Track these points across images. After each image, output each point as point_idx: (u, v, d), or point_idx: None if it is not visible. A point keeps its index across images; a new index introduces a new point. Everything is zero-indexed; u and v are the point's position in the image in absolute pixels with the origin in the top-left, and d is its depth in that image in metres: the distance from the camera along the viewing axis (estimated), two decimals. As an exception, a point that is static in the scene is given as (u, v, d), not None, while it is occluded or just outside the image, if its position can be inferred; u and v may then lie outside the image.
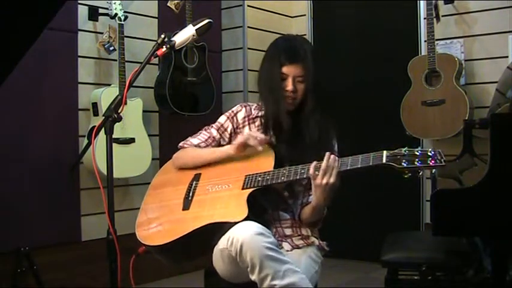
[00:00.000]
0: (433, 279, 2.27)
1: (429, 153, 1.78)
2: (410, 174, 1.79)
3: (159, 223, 2.10)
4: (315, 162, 1.92)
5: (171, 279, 3.72)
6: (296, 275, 1.82)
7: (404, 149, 1.81)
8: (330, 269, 1.98)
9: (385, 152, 1.82)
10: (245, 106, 2.27)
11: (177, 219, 2.06)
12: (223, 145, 2.25)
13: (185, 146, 2.28)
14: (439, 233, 1.97)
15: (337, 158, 1.92)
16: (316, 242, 2.13)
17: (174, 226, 2.03)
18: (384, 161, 1.80)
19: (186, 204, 2.10)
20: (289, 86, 2.09)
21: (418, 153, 1.79)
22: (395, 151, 1.82)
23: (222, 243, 1.90)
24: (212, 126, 2.28)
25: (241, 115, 2.25)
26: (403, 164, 1.78)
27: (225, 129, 2.25)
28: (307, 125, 2.11)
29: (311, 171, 1.91)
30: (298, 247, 2.06)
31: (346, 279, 3.77)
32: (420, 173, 1.79)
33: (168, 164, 2.34)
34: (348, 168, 1.87)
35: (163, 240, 2.00)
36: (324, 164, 1.89)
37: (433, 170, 1.81)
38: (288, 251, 2.04)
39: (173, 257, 2.13)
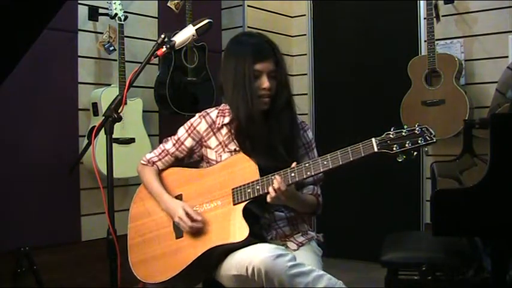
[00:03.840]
0: (433, 279, 2.27)
1: (417, 131, 1.74)
2: (404, 157, 1.75)
3: (156, 258, 2.04)
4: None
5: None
6: (323, 278, 1.83)
7: (391, 132, 1.76)
8: (330, 269, 1.97)
9: (373, 140, 1.77)
10: (204, 117, 2.14)
11: (174, 250, 2.01)
12: (181, 158, 2.17)
13: (142, 162, 2.21)
14: (439, 233, 1.96)
15: (279, 183, 1.86)
16: (314, 235, 2.14)
17: (174, 258, 1.98)
18: (376, 149, 1.76)
19: (178, 232, 2.03)
20: (266, 83, 2.01)
21: (406, 134, 1.75)
22: (383, 136, 1.77)
23: (235, 269, 1.86)
24: (170, 139, 2.19)
25: (202, 127, 2.13)
26: (395, 149, 1.74)
27: (182, 143, 2.15)
28: (278, 121, 2.04)
29: (268, 200, 1.90)
30: (302, 244, 2.07)
31: (346, 279, 3.75)
32: (415, 154, 1.75)
33: (139, 192, 2.22)
34: (341, 163, 1.82)
35: (166, 276, 1.97)
36: (269, 200, 1.89)
37: (425, 149, 1.78)
38: (294, 250, 2.04)
39: (177, 286, 2.08)
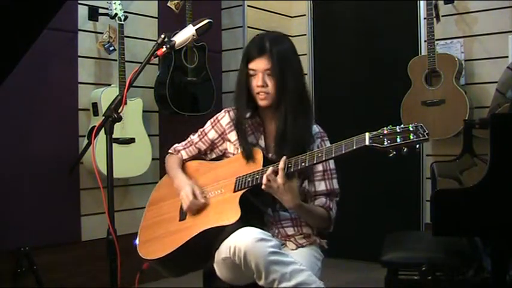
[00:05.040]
0: (433, 279, 2.26)
1: (410, 128, 1.73)
2: (394, 153, 1.73)
3: (158, 237, 2.11)
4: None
5: (170, 279, 3.70)
6: (302, 274, 1.83)
7: (386, 128, 1.76)
8: (330, 269, 1.97)
9: (367, 134, 1.77)
10: (228, 111, 2.23)
11: (175, 231, 2.07)
12: (203, 151, 2.28)
13: (170, 151, 2.35)
14: (439, 233, 1.96)
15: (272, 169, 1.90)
16: (317, 240, 2.14)
17: (172, 237, 2.04)
18: (367, 143, 1.75)
19: (182, 215, 2.11)
20: (258, 80, 2.06)
21: (399, 130, 1.74)
22: (378, 131, 1.77)
23: (224, 252, 1.89)
24: (197, 131, 2.30)
25: (225, 121, 2.22)
26: (385, 143, 1.73)
27: (206, 134, 2.25)
28: (273, 117, 2.13)
29: (263, 187, 1.92)
30: (302, 246, 2.07)
31: (346, 279, 3.77)
32: (405, 150, 1.72)
33: (163, 179, 2.35)
34: (333, 155, 1.83)
35: (163, 253, 2.00)
36: (263, 187, 1.91)
37: (417, 146, 1.75)
38: (292, 249, 2.04)
39: (176, 269, 2.13)
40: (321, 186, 2.12)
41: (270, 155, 2.12)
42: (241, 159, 2.11)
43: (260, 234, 1.84)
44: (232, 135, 2.20)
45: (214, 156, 2.28)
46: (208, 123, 2.27)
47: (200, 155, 2.30)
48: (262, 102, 2.10)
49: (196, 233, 1.96)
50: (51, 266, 3.24)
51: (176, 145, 2.34)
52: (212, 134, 2.24)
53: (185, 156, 2.30)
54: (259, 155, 2.06)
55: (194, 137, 2.29)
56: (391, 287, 2.42)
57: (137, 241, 2.19)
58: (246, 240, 1.81)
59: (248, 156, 2.07)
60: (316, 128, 2.20)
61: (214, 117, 2.26)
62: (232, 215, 1.91)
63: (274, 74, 2.05)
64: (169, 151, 2.35)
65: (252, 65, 2.07)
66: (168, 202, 2.21)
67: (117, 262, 1.73)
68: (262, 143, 2.16)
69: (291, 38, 2.29)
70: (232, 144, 2.20)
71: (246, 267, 1.82)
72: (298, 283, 1.80)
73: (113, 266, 1.73)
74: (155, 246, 2.08)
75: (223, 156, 2.26)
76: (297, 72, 2.12)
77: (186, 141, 2.32)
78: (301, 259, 1.94)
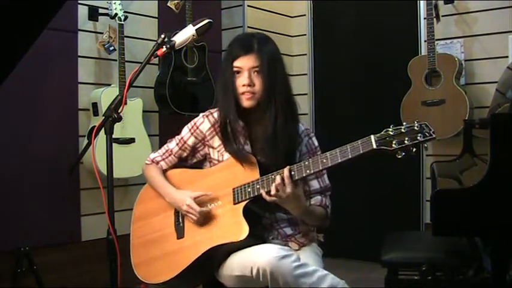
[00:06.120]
0: (433, 279, 2.27)
1: (416, 128, 1.73)
2: (404, 153, 1.73)
3: (157, 258, 2.05)
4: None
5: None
6: (327, 278, 1.85)
7: (390, 129, 1.75)
8: (330, 269, 1.97)
9: (372, 137, 1.75)
10: (207, 116, 2.12)
11: (175, 250, 2.01)
12: (184, 158, 2.17)
13: (146, 161, 2.23)
14: (439, 233, 1.96)
15: (286, 174, 1.84)
16: (315, 236, 2.14)
17: (175, 258, 1.99)
18: (375, 146, 1.74)
19: (180, 232, 2.04)
20: (244, 79, 1.97)
21: (405, 130, 1.73)
22: (382, 133, 1.75)
23: (238, 269, 1.88)
24: (174, 139, 2.18)
25: (205, 127, 2.11)
26: (394, 145, 1.72)
27: (185, 142, 2.14)
28: (262, 118, 2.02)
29: (268, 198, 1.88)
30: (304, 244, 2.07)
31: (346, 279, 3.75)
32: (414, 150, 1.73)
33: (144, 192, 2.25)
34: (339, 161, 1.79)
35: (167, 276, 1.97)
36: (273, 189, 1.86)
37: (425, 145, 1.76)
38: (296, 250, 2.03)
39: (178, 287, 2.09)
40: (315, 185, 2.09)
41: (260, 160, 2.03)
42: (231, 166, 2.02)
43: (280, 251, 1.83)
44: (215, 141, 2.10)
45: (195, 160, 2.18)
46: (186, 129, 2.15)
47: (181, 163, 2.19)
48: (246, 103, 1.99)
49: (202, 253, 1.92)
50: (51, 266, 3.23)
51: (153, 155, 2.22)
52: (192, 141, 2.13)
53: (165, 167, 2.19)
54: (253, 161, 1.99)
55: (172, 145, 2.17)
56: (391, 287, 2.42)
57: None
58: (270, 260, 1.79)
59: (243, 161, 1.99)
60: (301, 126, 2.13)
61: (192, 123, 2.15)
62: (240, 230, 1.88)
63: (263, 72, 1.97)
64: (146, 161, 2.23)
65: (237, 63, 1.99)
66: (159, 218, 2.12)
67: (117, 262, 1.73)
68: (248, 148, 2.06)
69: (290, 38, 2.27)
70: (215, 151, 2.11)
71: (273, 284, 1.81)
72: None
73: (113, 266, 1.73)
74: (156, 268, 2.02)
75: (204, 160, 2.16)
76: (284, 74, 2.05)
77: (164, 151, 2.19)
78: (307, 259, 1.94)
